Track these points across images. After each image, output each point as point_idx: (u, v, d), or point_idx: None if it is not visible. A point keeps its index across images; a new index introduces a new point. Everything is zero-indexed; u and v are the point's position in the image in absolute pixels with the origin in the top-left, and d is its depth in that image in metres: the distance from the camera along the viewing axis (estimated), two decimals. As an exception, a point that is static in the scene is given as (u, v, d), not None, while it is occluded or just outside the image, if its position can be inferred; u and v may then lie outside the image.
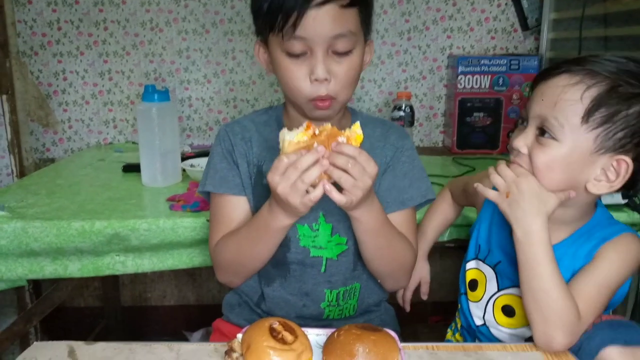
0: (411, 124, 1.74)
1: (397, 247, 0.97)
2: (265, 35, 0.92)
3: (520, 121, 0.90)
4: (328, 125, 0.80)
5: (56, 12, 1.95)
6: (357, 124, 0.81)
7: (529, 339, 0.94)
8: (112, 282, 2.14)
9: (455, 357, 0.78)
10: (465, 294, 1.04)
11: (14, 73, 1.81)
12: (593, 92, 0.80)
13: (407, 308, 1.16)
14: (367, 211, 0.87)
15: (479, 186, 0.89)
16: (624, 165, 0.81)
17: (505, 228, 0.96)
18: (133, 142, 2.04)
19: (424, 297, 1.17)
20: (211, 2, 1.98)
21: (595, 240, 0.88)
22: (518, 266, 0.85)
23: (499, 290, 0.98)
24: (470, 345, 0.82)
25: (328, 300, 0.99)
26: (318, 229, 0.97)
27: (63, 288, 1.38)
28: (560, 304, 0.81)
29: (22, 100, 1.87)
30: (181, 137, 2.06)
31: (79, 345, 0.80)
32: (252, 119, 1.04)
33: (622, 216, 1.26)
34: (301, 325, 0.78)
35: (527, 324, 0.92)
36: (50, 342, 0.80)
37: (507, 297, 0.96)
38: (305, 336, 0.74)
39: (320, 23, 0.85)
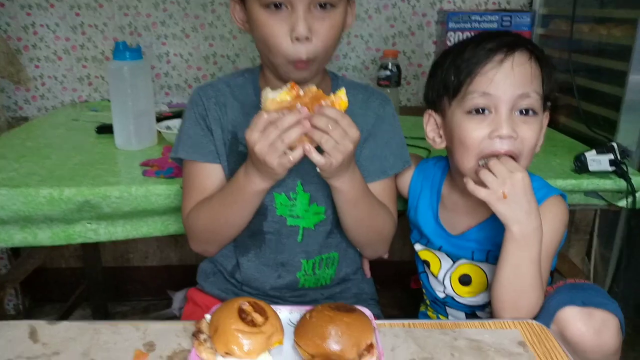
0: (397, 83, 1.68)
1: (377, 217, 0.94)
2: None
3: (475, 111, 0.87)
4: (313, 88, 0.77)
5: (22, -40, 1.83)
6: (343, 90, 0.78)
7: (489, 305, 0.95)
8: (92, 243, 2.10)
9: (431, 335, 0.76)
10: (424, 271, 1.04)
11: (-21, 27, 1.71)
12: (537, 60, 0.86)
13: (367, 273, 1.13)
14: (348, 181, 0.84)
15: (470, 184, 0.85)
16: (547, 119, 0.92)
17: (429, 214, 1.00)
18: (109, 100, 1.95)
19: (385, 256, 1.14)
20: (188, -50, 1.87)
21: None
22: (500, 261, 0.85)
23: (454, 263, 0.98)
24: (447, 322, 0.80)
25: (304, 270, 0.97)
26: (295, 198, 0.94)
27: (36, 255, 1.34)
28: (536, 299, 0.84)
29: (-10, 55, 1.78)
30: (159, 95, 1.98)
31: (41, 325, 0.76)
32: (227, 82, 0.98)
33: (608, 183, 1.24)
34: (275, 296, 0.76)
35: (483, 289, 0.96)
36: (10, 322, 0.77)
37: (461, 267, 0.97)
38: (277, 317, 0.72)
39: None
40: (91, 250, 2.09)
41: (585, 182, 1.23)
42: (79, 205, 1.14)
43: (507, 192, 0.80)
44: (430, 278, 1.03)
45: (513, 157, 0.85)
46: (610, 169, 1.23)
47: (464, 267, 0.97)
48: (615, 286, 1.48)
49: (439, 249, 0.99)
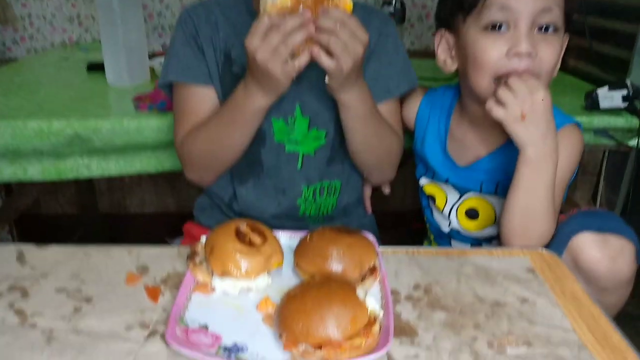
0: (401, 20, 1.61)
1: (385, 137, 0.90)
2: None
3: (492, 28, 0.80)
4: None
5: None
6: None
7: (497, 237, 0.92)
8: (87, 189, 2.07)
9: (437, 261, 0.73)
10: (429, 206, 1.00)
11: (-39, -41, 1.62)
12: None
13: (368, 207, 1.09)
14: (357, 94, 0.80)
15: (489, 102, 0.79)
16: (566, 41, 0.86)
17: (437, 145, 0.95)
18: (100, 41, 1.88)
19: (386, 191, 1.10)
20: None
21: None
22: (513, 186, 0.80)
23: (460, 196, 0.95)
24: (453, 250, 0.77)
25: (304, 197, 0.93)
26: (294, 123, 0.89)
27: (27, 193, 1.31)
28: (548, 227, 0.81)
29: (-26, -8, 1.70)
30: (152, 37, 1.91)
31: (29, 249, 0.73)
32: (217, 1, 0.92)
33: (619, 121, 1.19)
34: (275, 225, 0.72)
35: (491, 223, 0.92)
36: (-3, 245, 0.74)
37: (468, 201, 0.94)
38: (276, 239, 0.68)
39: None
40: (87, 195, 2.06)
41: (596, 120, 1.19)
42: (69, 139, 1.09)
43: (526, 112, 0.75)
44: (435, 213, 0.99)
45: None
46: (622, 105, 1.18)
47: (472, 200, 0.93)
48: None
49: (446, 182, 0.95)
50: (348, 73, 0.73)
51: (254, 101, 0.78)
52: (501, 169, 0.88)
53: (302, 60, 0.71)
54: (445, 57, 0.90)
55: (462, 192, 0.94)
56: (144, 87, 1.32)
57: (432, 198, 0.98)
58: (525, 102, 0.75)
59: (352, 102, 0.80)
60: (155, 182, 2.16)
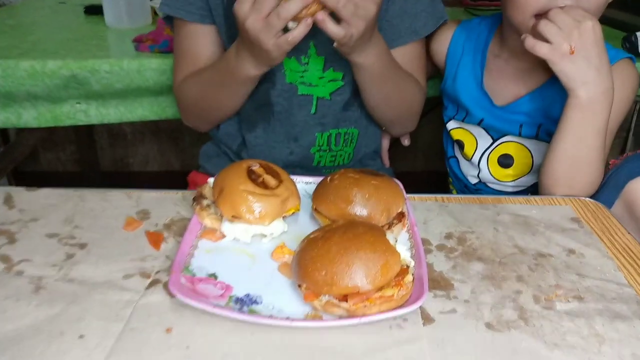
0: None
1: (406, 91, 0.83)
2: None
3: None
4: None
5: None
6: None
7: (531, 188, 0.84)
8: (89, 145, 1.99)
9: (469, 209, 0.66)
10: (454, 156, 0.92)
11: None
12: None
13: (386, 161, 1.01)
14: (373, 53, 0.71)
15: (528, 40, 0.69)
16: None
17: (471, 81, 0.86)
18: (100, -14, 1.78)
19: (406, 142, 1.01)
20: None
21: None
22: (560, 132, 0.72)
23: (494, 141, 0.86)
24: (487, 197, 0.70)
25: (318, 145, 0.85)
26: (307, 63, 0.80)
27: (26, 141, 1.23)
28: (597, 175, 0.73)
29: None
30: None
31: (19, 191, 0.66)
32: None
33: None
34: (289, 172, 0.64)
35: (527, 171, 0.84)
36: (-17, 188, 0.67)
37: (503, 146, 0.85)
38: (292, 181, 0.61)
39: None
40: (88, 152, 1.99)
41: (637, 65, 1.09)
42: (65, 81, 1.01)
43: (575, 46, 0.66)
44: (462, 162, 0.91)
45: None
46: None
47: (507, 145, 0.85)
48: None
49: (479, 123, 0.86)
50: (359, 37, 0.64)
51: (244, 69, 0.71)
52: (543, 111, 0.80)
53: (297, 34, 0.62)
54: None
55: (497, 135, 0.85)
56: (145, 30, 1.23)
57: (461, 144, 0.90)
58: (573, 34, 0.66)
59: (367, 62, 0.72)
60: (158, 138, 2.09)
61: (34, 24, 1.31)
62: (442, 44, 0.90)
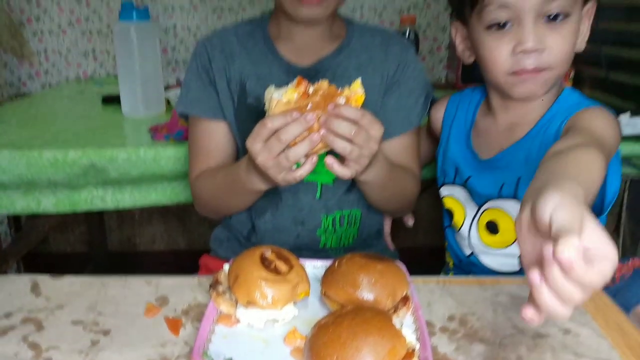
0: (416, 51, 1.61)
1: (403, 188, 0.90)
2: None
3: (496, 26, 0.76)
4: (324, 83, 0.67)
5: None
6: (358, 81, 0.68)
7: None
8: (98, 226, 2.04)
9: (470, 291, 0.70)
10: (450, 225, 0.97)
11: (-19, -3, 1.65)
12: None
13: (391, 245, 1.05)
14: (373, 173, 0.78)
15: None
16: (592, 10, 0.79)
17: (462, 139, 0.91)
18: (115, 76, 1.89)
19: (410, 223, 1.06)
20: None
21: (559, 120, 0.79)
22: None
23: (479, 208, 0.90)
24: (486, 278, 0.73)
25: (324, 227, 0.91)
26: None
27: (39, 226, 1.28)
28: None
29: (-8, 28, 1.72)
30: (166, 70, 1.92)
31: (44, 279, 0.70)
32: (234, 30, 0.92)
33: (644, 148, 1.16)
34: (297, 255, 0.69)
35: (514, 239, 0.85)
36: (12, 276, 0.72)
37: (488, 213, 0.89)
38: (302, 266, 0.65)
39: None
40: (97, 232, 2.03)
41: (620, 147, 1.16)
42: (85, 169, 1.08)
43: None
44: (456, 234, 0.95)
45: (542, 70, 0.76)
46: (646, 131, 1.16)
47: (491, 212, 0.88)
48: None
49: (466, 182, 0.90)
50: (362, 171, 0.72)
51: (253, 184, 0.77)
52: (523, 160, 0.83)
53: (303, 172, 0.69)
54: (463, 47, 0.87)
55: (480, 201, 0.89)
56: (160, 118, 1.32)
57: (451, 214, 0.94)
58: None
59: (369, 178, 0.79)
60: (165, 219, 2.14)
61: (54, 113, 1.40)
62: (439, 110, 0.97)
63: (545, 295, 0.39)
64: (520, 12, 0.73)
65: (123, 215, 2.11)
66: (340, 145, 0.67)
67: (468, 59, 0.86)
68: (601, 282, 0.38)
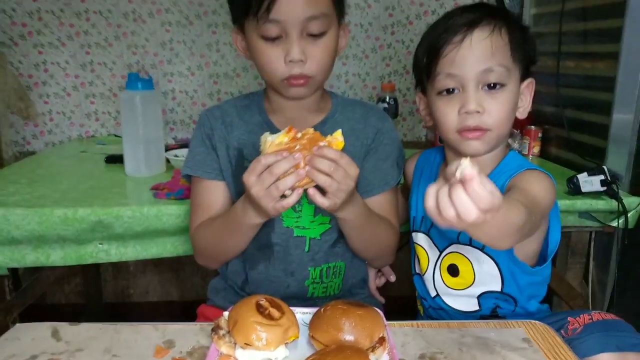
0: (395, 115, 1.76)
1: (382, 234, 0.99)
2: (242, 21, 0.93)
3: (445, 92, 0.90)
4: (310, 130, 0.81)
5: (37, 1, 1.93)
6: (339, 131, 0.82)
7: (481, 296, 0.97)
8: (94, 278, 2.11)
9: (439, 333, 0.79)
10: (416, 272, 1.07)
11: (-6, 64, 1.78)
12: (504, 32, 0.87)
13: (380, 299, 1.16)
14: (351, 211, 0.89)
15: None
16: (533, 85, 0.94)
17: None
18: (116, 135, 2.02)
19: (392, 279, 1.17)
20: (195, -6, 1.98)
21: (503, 179, 0.90)
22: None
23: (441, 253, 1.00)
24: (454, 322, 0.83)
25: (312, 278, 1.00)
26: (301, 210, 0.99)
27: (44, 278, 1.36)
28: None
29: (1, 92, 1.85)
30: (164, 130, 2.04)
31: (63, 326, 0.79)
32: (234, 103, 1.05)
33: (600, 204, 1.29)
34: (287, 303, 0.78)
35: (472, 281, 0.97)
36: (33, 324, 0.80)
37: (449, 257, 0.99)
38: (292, 313, 0.75)
39: (293, 5, 0.86)
40: (93, 284, 2.10)
41: (578, 203, 1.29)
42: (92, 225, 1.17)
43: None
44: (422, 279, 1.05)
45: (483, 130, 0.89)
46: (601, 189, 1.28)
47: (451, 256, 0.98)
48: (613, 311, 1.51)
49: (430, 229, 1.01)
50: (341, 204, 0.84)
51: (249, 218, 0.88)
52: None
53: (291, 202, 0.81)
54: (425, 113, 1.00)
55: (441, 246, 0.99)
56: (160, 177, 1.43)
57: (417, 259, 1.04)
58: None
59: (348, 216, 0.90)
60: (159, 270, 2.21)
61: (61, 173, 1.50)
62: (411, 164, 1.10)
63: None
64: (464, 81, 0.88)
65: (118, 267, 2.19)
66: (322, 179, 0.79)
67: (428, 122, 1.00)
68: (488, 198, 0.52)
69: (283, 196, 0.80)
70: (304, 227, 0.99)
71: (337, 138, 0.81)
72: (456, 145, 0.92)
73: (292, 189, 0.80)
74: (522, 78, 0.93)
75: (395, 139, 1.05)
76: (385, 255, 1.04)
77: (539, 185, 0.85)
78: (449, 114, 0.90)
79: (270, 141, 0.79)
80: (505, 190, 0.87)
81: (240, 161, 1.00)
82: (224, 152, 1.00)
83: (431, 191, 0.57)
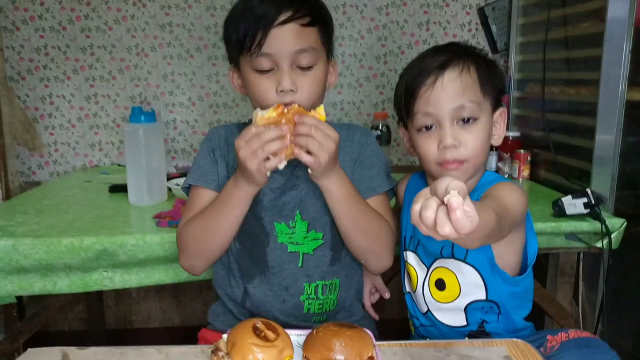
0: (388, 142, 1.82)
1: (372, 220, 1.03)
2: (237, 59, 1.02)
3: (424, 129, 0.97)
4: (295, 105, 0.92)
5: (44, 38, 2.02)
6: (321, 106, 0.94)
7: (468, 306, 1.01)
8: (96, 305, 2.15)
9: (426, 352, 0.84)
10: (407, 291, 1.11)
11: (1, 98, 1.86)
12: (472, 70, 0.96)
13: (375, 315, 1.21)
14: (336, 179, 0.97)
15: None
16: (504, 113, 1.02)
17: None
18: (119, 165, 2.09)
19: (386, 295, 1.22)
20: (195, 28, 2.06)
21: (481, 190, 0.96)
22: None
23: (428, 269, 1.05)
24: (440, 342, 0.88)
25: (307, 294, 1.05)
26: (295, 226, 1.05)
27: (50, 306, 1.41)
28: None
29: (8, 124, 1.92)
30: (166, 159, 2.11)
31: (72, 350, 0.84)
32: (237, 126, 1.13)
33: (585, 225, 1.34)
34: (283, 324, 0.84)
35: (458, 294, 1.02)
36: (43, 348, 0.84)
37: (436, 272, 1.04)
38: (287, 335, 0.80)
39: (283, 40, 0.95)
40: (95, 311, 2.14)
41: (563, 225, 1.34)
42: (97, 254, 1.23)
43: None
44: (413, 297, 1.10)
45: (460, 162, 0.95)
46: (585, 211, 1.34)
47: (438, 271, 1.03)
48: (604, 328, 1.55)
49: (417, 246, 1.06)
50: (326, 164, 0.91)
51: (240, 188, 0.96)
52: None
53: (272, 164, 0.90)
54: (408, 146, 1.07)
55: (428, 262, 1.04)
56: (162, 206, 1.48)
57: (410, 278, 1.09)
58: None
59: (332, 186, 0.97)
60: (160, 296, 2.25)
61: (67, 202, 1.56)
62: (402, 186, 1.16)
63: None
64: (440, 118, 0.95)
65: (120, 294, 2.23)
66: (304, 140, 0.89)
67: (413, 154, 1.07)
68: (468, 225, 0.59)
69: None
70: (297, 243, 1.05)
71: (320, 112, 0.92)
72: (438, 175, 0.98)
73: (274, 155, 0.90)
74: (494, 109, 1.00)
75: (379, 151, 1.12)
76: (381, 248, 1.04)
77: (509, 194, 0.92)
78: (429, 149, 0.97)
79: (261, 115, 0.91)
80: (480, 199, 0.93)
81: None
82: (224, 168, 1.07)
83: (419, 200, 0.63)
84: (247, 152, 0.89)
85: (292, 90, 0.96)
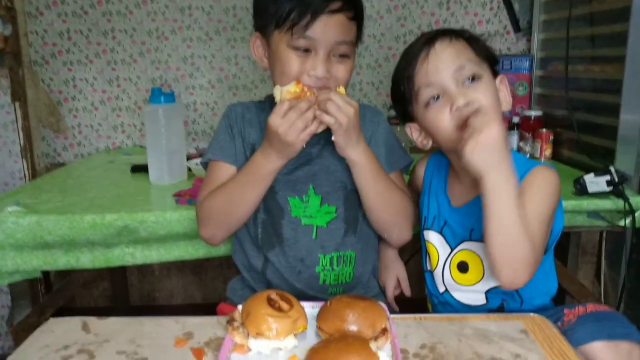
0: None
1: (396, 193, 1.06)
2: (268, 30, 1.02)
3: (432, 100, 0.95)
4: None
5: (66, 22, 2.05)
6: (342, 87, 0.98)
7: (489, 291, 1.00)
8: (121, 282, 2.20)
9: (440, 325, 0.84)
10: (428, 270, 1.11)
11: (26, 81, 1.89)
12: (461, 38, 0.97)
13: (396, 307, 1.21)
14: (363, 152, 0.99)
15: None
16: (505, 79, 1.01)
17: (442, 191, 1.07)
18: (141, 146, 2.12)
19: (407, 293, 1.23)
20: (214, 11, 2.07)
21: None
22: (484, 219, 0.86)
23: (452, 250, 1.04)
24: (455, 315, 0.88)
25: (322, 265, 1.07)
26: (308, 201, 1.07)
27: (74, 281, 1.45)
28: (526, 253, 0.86)
29: (34, 107, 1.96)
30: (187, 140, 2.13)
31: (92, 320, 0.86)
32: (255, 104, 1.15)
33: (607, 203, 1.32)
34: (301, 296, 0.85)
35: (481, 277, 1.00)
36: (65, 318, 0.87)
37: (459, 254, 1.03)
38: (301, 305, 0.81)
39: (329, 28, 0.97)
40: (120, 288, 2.19)
41: (585, 203, 1.32)
42: (119, 230, 1.25)
43: (480, 143, 0.83)
44: (432, 275, 1.09)
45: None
46: (607, 189, 1.31)
47: (462, 253, 1.03)
48: (626, 308, 1.52)
49: (443, 227, 1.05)
50: (346, 129, 0.93)
51: (270, 163, 0.99)
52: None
53: (313, 128, 0.94)
54: (420, 139, 1.03)
55: (453, 244, 1.04)
56: (182, 185, 1.50)
57: (429, 257, 1.09)
58: (477, 133, 0.84)
59: (360, 159, 0.99)
60: (182, 274, 2.30)
61: (90, 182, 1.59)
62: (421, 166, 1.15)
63: None
64: (443, 84, 0.93)
65: (144, 271, 2.28)
66: (323, 103, 0.93)
67: (426, 145, 1.03)
68: None
69: None
70: (311, 216, 1.06)
71: (341, 90, 0.97)
72: (458, 148, 0.96)
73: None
74: (493, 75, 0.98)
75: (390, 130, 1.13)
76: (402, 221, 1.07)
77: (542, 188, 0.92)
78: (443, 119, 0.93)
79: (286, 90, 0.95)
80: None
81: (252, 154, 1.07)
82: (240, 144, 1.09)
83: None
84: (285, 126, 0.92)
85: (325, 78, 0.98)
